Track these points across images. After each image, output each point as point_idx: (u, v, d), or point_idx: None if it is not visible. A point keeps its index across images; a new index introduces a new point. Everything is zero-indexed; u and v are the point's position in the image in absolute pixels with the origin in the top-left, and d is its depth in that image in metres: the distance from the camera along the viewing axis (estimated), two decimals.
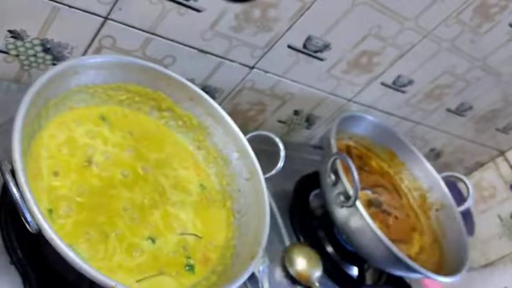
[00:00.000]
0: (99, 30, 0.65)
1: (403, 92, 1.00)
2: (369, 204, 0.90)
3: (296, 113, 0.96)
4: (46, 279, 0.51)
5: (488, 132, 1.27)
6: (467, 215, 1.21)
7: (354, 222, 0.76)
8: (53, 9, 0.60)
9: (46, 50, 0.66)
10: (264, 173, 0.66)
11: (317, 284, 0.76)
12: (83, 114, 0.60)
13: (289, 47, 0.79)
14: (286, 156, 0.70)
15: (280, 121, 0.97)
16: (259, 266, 0.70)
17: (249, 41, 0.75)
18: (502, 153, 1.37)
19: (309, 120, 1.00)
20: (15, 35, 0.62)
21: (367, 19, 0.79)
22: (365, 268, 0.89)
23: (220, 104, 0.68)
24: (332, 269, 0.82)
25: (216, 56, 0.76)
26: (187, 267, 0.56)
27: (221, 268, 0.58)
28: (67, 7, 0.61)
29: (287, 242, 0.81)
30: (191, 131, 0.69)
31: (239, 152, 0.68)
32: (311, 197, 0.89)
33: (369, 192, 0.92)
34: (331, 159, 0.77)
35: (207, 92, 0.68)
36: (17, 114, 0.46)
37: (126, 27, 0.66)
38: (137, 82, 0.63)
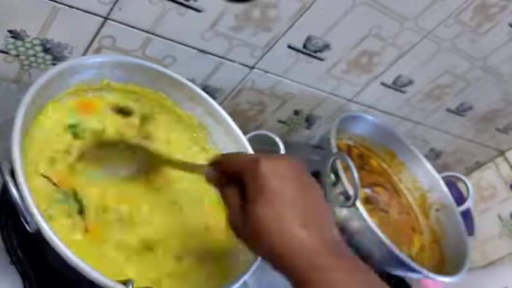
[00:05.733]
0: (99, 30, 0.65)
1: (403, 92, 1.00)
2: (367, 201, 0.90)
3: (296, 113, 0.96)
4: (46, 279, 0.51)
5: (488, 132, 1.27)
6: (467, 215, 1.21)
7: (354, 222, 0.76)
8: (53, 9, 0.60)
9: (46, 50, 0.66)
10: None
11: None
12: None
13: (289, 47, 0.79)
14: None
15: (280, 121, 0.97)
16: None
17: (249, 41, 0.75)
18: (502, 153, 1.37)
19: (309, 120, 1.00)
20: (15, 35, 0.62)
21: (367, 19, 0.79)
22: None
23: (220, 104, 0.68)
24: None
25: (216, 56, 0.76)
26: None
27: (222, 267, 0.58)
28: (67, 7, 0.61)
29: None
30: (192, 130, 0.69)
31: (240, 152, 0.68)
32: None
33: (368, 190, 0.92)
34: (331, 159, 0.77)
35: (207, 92, 0.68)
36: (17, 115, 0.46)
37: (126, 27, 0.66)
38: (137, 82, 0.63)
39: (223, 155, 0.52)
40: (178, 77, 0.65)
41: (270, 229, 0.43)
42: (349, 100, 0.97)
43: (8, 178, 0.43)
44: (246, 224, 0.45)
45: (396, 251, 0.74)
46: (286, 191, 0.44)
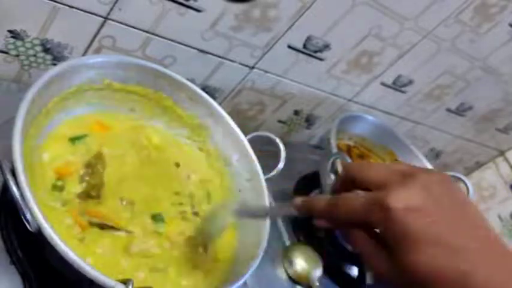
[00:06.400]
0: (99, 30, 0.65)
1: (403, 92, 1.00)
2: None
3: (296, 113, 0.96)
4: (46, 279, 0.51)
5: (488, 132, 1.27)
6: None
7: None
8: (53, 9, 0.60)
9: (46, 50, 0.66)
10: (265, 173, 0.66)
11: (317, 284, 0.75)
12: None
13: (289, 47, 0.79)
14: (286, 157, 0.70)
15: (280, 121, 0.97)
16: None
17: (249, 41, 0.75)
18: (502, 153, 1.37)
19: (309, 120, 1.00)
20: (15, 35, 0.62)
21: (367, 19, 0.79)
22: (365, 268, 0.89)
23: (220, 104, 0.68)
24: (332, 269, 0.82)
25: (216, 56, 0.76)
26: None
27: (223, 267, 0.58)
28: (67, 7, 0.61)
29: (287, 242, 0.81)
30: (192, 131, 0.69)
31: (239, 153, 0.68)
32: None
33: None
34: (331, 159, 0.77)
35: (207, 92, 0.68)
36: (18, 114, 0.46)
37: (126, 27, 0.66)
38: (137, 82, 0.63)
39: (337, 196, 0.41)
40: (178, 77, 0.65)
41: (428, 277, 0.35)
42: (349, 100, 0.97)
43: (9, 176, 0.43)
44: (397, 273, 0.37)
45: None
46: (431, 225, 0.35)
